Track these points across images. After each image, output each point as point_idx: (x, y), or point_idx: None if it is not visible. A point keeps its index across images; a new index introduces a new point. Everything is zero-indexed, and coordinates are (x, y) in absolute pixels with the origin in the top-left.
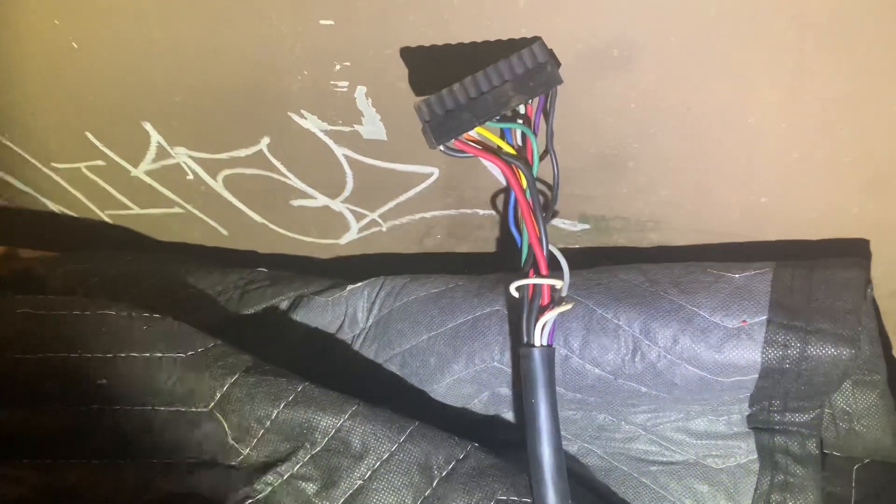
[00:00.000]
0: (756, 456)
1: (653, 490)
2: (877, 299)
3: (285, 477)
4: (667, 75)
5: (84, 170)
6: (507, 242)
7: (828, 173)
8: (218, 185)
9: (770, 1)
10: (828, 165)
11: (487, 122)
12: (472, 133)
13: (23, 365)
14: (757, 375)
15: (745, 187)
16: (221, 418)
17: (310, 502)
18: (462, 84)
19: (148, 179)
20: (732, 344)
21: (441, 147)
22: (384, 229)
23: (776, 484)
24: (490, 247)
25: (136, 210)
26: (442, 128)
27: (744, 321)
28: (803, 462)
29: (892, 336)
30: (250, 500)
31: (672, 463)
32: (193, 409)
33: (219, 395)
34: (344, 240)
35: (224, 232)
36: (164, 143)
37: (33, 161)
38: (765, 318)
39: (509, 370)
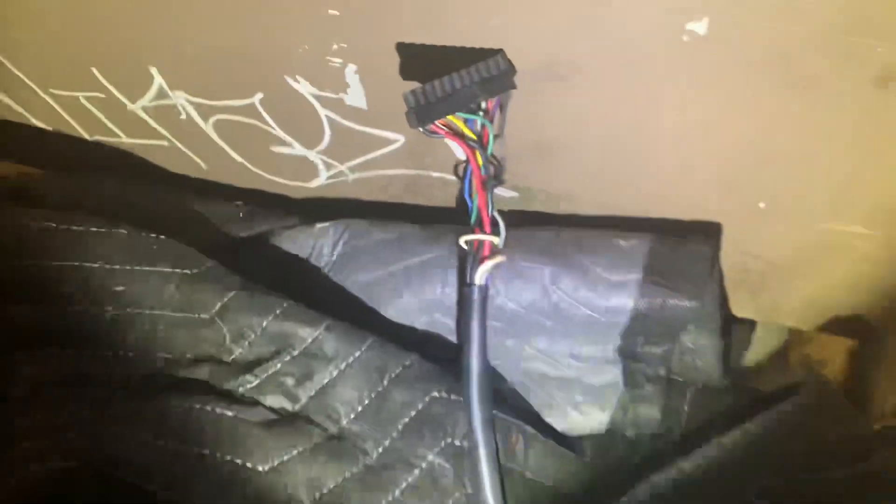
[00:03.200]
0: (622, 377)
1: (540, 395)
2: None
3: (270, 372)
4: (595, 90)
5: (82, 99)
6: (451, 201)
7: (698, 174)
8: (207, 127)
9: (667, 59)
10: (700, 168)
11: (457, 113)
12: (445, 119)
13: (45, 270)
14: (628, 317)
15: (639, 177)
16: (221, 323)
17: (289, 391)
18: (441, 81)
19: (142, 115)
20: (615, 293)
21: (420, 128)
22: (349, 180)
23: (632, 396)
24: (438, 202)
25: (124, 139)
26: (423, 113)
27: (624, 277)
28: (653, 382)
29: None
30: (241, 388)
31: (560, 378)
32: (196, 315)
33: (219, 305)
34: (313, 184)
35: (204, 166)
36: (165, 86)
37: (31, 84)
38: (640, 276)
39: (446, 301)
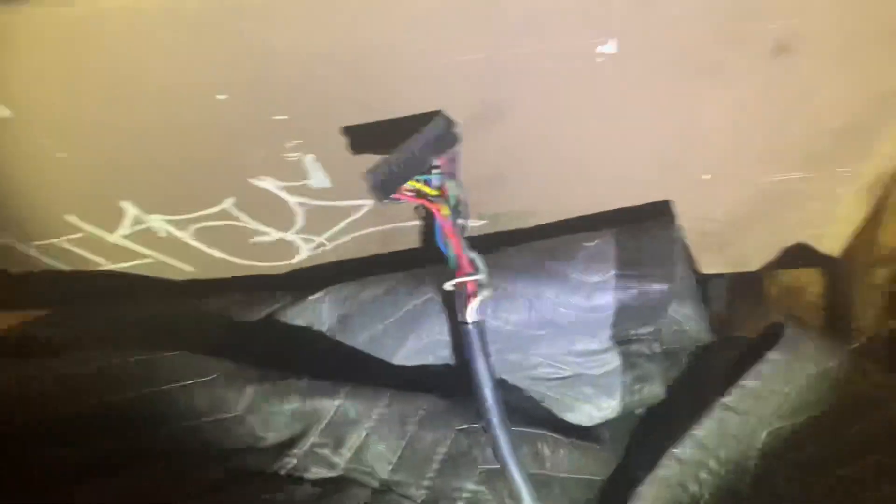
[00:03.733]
0: (622, 362)
1: (552, 398)
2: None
3: (304, 449)
4: (523, 123)
5: (63, 243)
6: (425, 243)
7: (642, 164)
8: (187, 237)
9: (586, 80)
10: (642, 160)
11: (415, 177)
12: (406, 185)
13: (79, 415)
14: (613, 310)
15: (589, 180)
16: (249, 417)
17: (326, 459)
18: (394, 155)
19: (123, 242)
20: (597, 293)
21: (385, 201)
22: (329, 247)
23: (635, 377)
24: (415, 245)
25: (109, 266)
26: (384, 187)
27: (600, 277)
28: (650, 359)
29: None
30: (283, 470)
31: (567, 377)
32: (227, 415)
33: (242, 401)
34: (296, 260)
35: (189, 269)
36: (141, 214)
37: (11, 240)
38: (613, 272)
39: (445, 338)
